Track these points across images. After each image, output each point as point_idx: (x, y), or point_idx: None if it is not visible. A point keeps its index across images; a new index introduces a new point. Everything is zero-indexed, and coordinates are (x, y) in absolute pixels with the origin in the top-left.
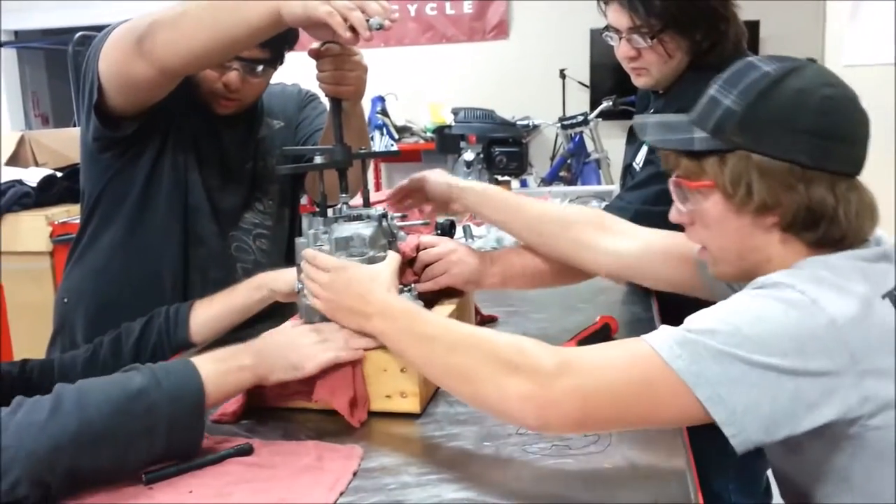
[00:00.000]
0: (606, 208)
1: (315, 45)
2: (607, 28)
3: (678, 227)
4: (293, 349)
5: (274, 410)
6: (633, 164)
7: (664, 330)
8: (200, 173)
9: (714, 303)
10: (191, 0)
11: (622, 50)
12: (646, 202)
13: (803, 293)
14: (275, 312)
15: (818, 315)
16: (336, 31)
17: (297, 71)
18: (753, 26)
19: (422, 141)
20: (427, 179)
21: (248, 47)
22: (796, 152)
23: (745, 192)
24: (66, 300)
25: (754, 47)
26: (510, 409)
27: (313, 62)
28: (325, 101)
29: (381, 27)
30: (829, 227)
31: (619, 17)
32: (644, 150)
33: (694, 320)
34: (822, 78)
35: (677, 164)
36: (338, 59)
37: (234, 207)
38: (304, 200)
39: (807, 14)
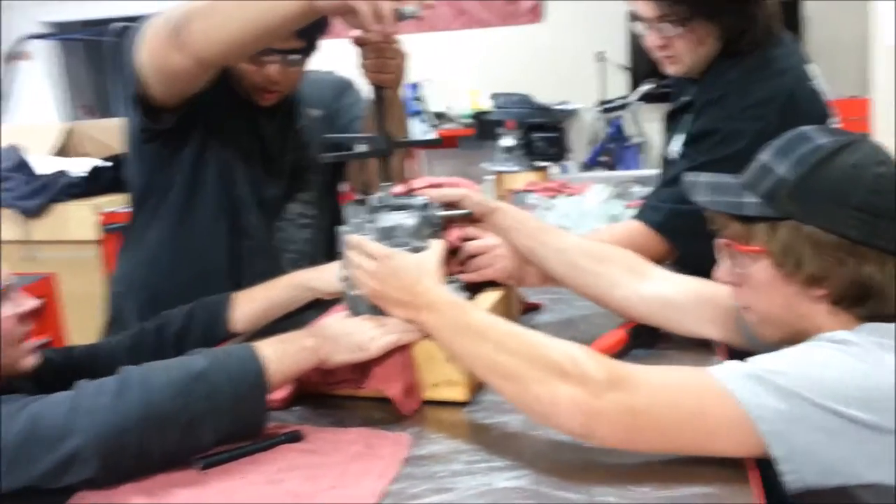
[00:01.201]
0: (641, 209)
1: (358, 32)
2: (636, 17)
3: (706, 228)
4: (355, 332)
5: (323, 398)
6: (671, 152)
7: (730, 364)
8: (244, 166)
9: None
10: None
11: (650, 39)
12: (679, 201)
13: (869, 352)
14: (314, 303)
15: (886, 374)
16: (364, 20)
17: (332, 58)
18: (795, 5)
19: (458, 127)
20: (469, 197)
21: (282, 37)
22: (846, 227)
23: (795, 262)
24: (118, 289)
25: (796, 27)
26: (557, 412)
27: (348, 49)
28: (363, 88)
29: (415, 15)
30: (879, 303)
31: (645, 7)
32: (681, 139)
33: (760, 360)
34: (875, 155)
35: (726, 226)
36: (379, 47)
37: (278, 198)
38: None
39: None
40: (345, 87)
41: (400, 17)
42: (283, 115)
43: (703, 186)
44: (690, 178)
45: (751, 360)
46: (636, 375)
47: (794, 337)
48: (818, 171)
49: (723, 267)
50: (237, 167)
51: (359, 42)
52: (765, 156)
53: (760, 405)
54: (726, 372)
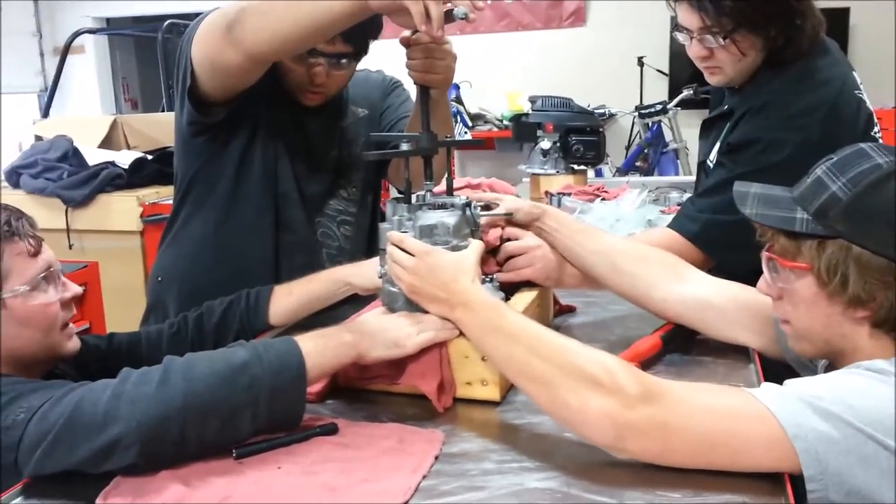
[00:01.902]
0: (676, 217)
1: (406, 33)
2: (678, 27)
3: (748, 236)
4: (392, 328)
5: (357, 392)
6: (708, 161)
7: (768, 385)
8: (289, 161)
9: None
10: None
11: (694, 50)
12: (716, 210)
13: None
14: (350, 298)
15: None
16: (415, 19)
17: (382, 58)
18: (843, 13)
19: (495, 129)
20: (521, 208)
21: (334, 34)
22: (895, 250)
23: (841, 282)
24: (159, 279)
25: (843, 36)
26: (587, 421)
27: (397, 49)
28: (410, 88)
29: (465, 17)
30: None
31: (689, 17)
32: (717, 147)
33: (797, 384)
34: None
35: (774, 239)
36: (428, 47)
37: (320, 194)
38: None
39: None
40: (392, 86)
41: (450, 18)
42: (329, 112)
43: (753, 198)
44: (741, 188)
45: (787, 383)
46: (672, 391)
47: (830, 355)
48: (872, 192)
49: (765, 279)
50: (282, 162)
51: (406, 42)
52: (820, 170)
53: (799, 424)
54: (765, 392)
